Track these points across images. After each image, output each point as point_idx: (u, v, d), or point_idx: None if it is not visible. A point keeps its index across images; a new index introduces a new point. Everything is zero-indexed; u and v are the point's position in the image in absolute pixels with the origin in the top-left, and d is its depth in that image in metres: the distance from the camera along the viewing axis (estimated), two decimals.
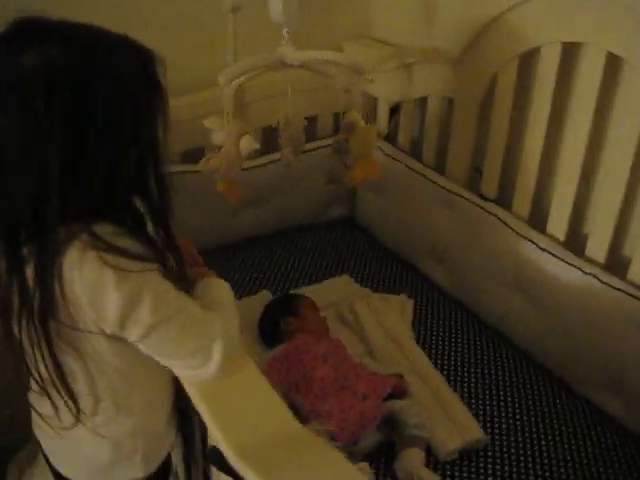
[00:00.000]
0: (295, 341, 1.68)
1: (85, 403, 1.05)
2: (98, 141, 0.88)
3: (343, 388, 1.56)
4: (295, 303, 1.82)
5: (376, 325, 1.82)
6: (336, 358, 1.63)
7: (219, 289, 1.17)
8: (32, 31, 0.87)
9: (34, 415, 1.12)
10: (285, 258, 2.18)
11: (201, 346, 1.01)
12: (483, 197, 1.88)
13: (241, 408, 1.04)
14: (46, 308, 0.92)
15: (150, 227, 0.99)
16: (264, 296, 1.96)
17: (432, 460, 1.48)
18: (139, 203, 0.99)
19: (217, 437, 0.99)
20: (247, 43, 1.69)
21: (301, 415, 1.53)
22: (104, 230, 0.91)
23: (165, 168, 0.99)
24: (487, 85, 1.79)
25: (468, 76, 1.82)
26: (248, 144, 1.63)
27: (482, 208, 1.84)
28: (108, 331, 0.96)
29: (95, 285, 0.90)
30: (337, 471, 0.91)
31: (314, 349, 1.64)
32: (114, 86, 0.89)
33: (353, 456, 1.44)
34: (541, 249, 1.69)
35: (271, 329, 1.79)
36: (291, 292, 1.96)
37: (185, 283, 1.07)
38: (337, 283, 2.05)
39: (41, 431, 1.16)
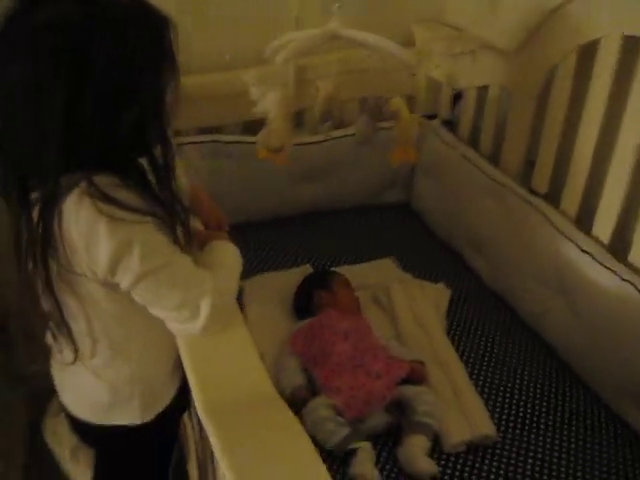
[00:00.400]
0: (321, 315, 1.70)
1: (84, 343, 1.11)
2: (97, 96, 0.92)
3: (359, 366, 1.56)
4: (329, 278, 1.84)
5: (408, 311, 1.81)
6: (357, 336, 1.63)
7: (225, 252, 1.21)
8: None
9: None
10: (335, 236, 2.19)
11: (188, 301, 1.04)
12: (533, 192, 1.83)
13: (222, 366, 1.06)
14: (46, 249, 0.97)
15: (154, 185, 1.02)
16: (305, 270, 1.98)
17: (437, 450, 1.46)
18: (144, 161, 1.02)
19: (192, 389, 1.02)
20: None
21: (315, 387, 1.55)
22: (103, 181, 0.95)
23: (170, 132, 1.02)
24: (545, 77, 1.73)
25: (527, 67, 1.77)
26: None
27: (529, 203, 1.79)
28: (100, 277, 1.00)
29: (89, 231, 0.95)
30: (295, 449, 0.91)
31: (337, 325, 1.65)
32: (120, 46, 0.93)
33: (358, 434, 1.44)
34: (582, 251, 1.62)
35: (304, 301, 1.81)
36: (330, 269, 1.97)
37: (189, 242, 1.11)
38: (380, 265, 2.05)
39: (53, 364, 1.24)
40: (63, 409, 1.29)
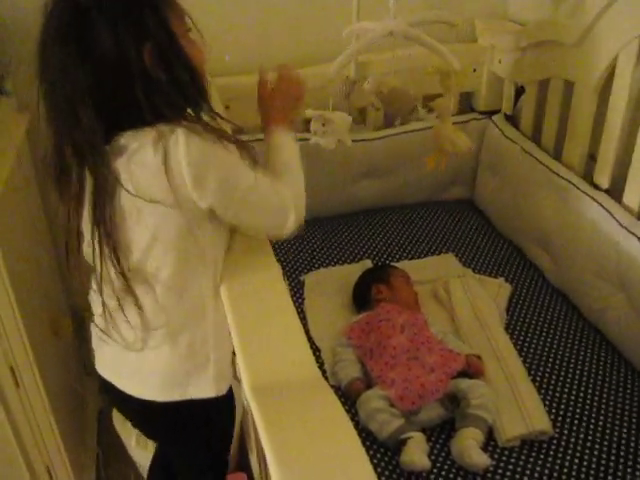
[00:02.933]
0: (379, 309, 1.72)
1: (155, 311, 1.15)
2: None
3: (414, 359, 1.57)
4: (388, 272, 1.86)
5: (467, 305, 1.80)
6: (413, 330, 1.64)
7: (285, 152, 1.26)
8: None
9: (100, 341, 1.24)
10: (396, 232, 2.20)
11: (278, 216, 1.16)
12: (595, 186, 1.79)
13: (271, 348, 1.08)
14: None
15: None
16: (364, 265, 2.00)
17: (492, 444, 1.46)
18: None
19: (241, 369, 1.05)
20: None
21: (370, 379, 1.57)
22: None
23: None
24: (607, 69, 1.70)
25: (588, 59, 1.74)
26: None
27: (591, 197, 1.76)
28: (204, 204, 1.07)
29: (201, 160, 1.03)
30: (337, 433, 0.93)
31: (394, 318, 1.67)
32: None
33: (412, 425, 1.46)
34: None
35: (362, 294, 1.84)
36: (390, 264, 1.99)
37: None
38: (440, 260, 2.06)
39: (104, 355, 1.26)
40: (121, 400, 1.27)
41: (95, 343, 1.29)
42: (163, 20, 1.03)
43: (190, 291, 1.16)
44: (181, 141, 1.01)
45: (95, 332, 1.26)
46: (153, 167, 1.01)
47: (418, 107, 1.81)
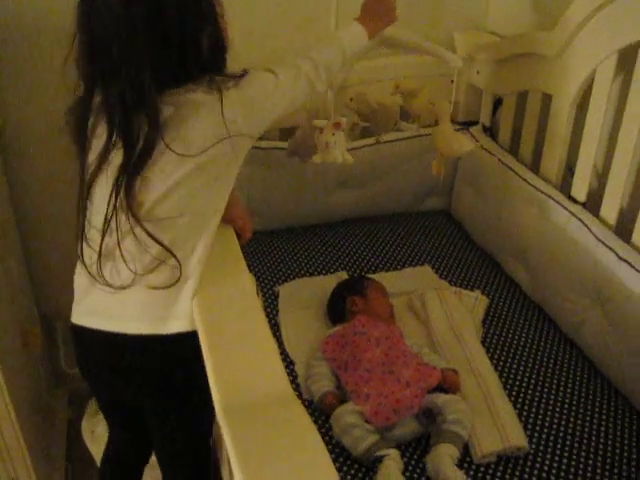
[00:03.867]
0: (354, 322, 1.70)
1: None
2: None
3: (389, 373, 1.55)
4: (363, 284, 1.83)
5: (443, 318, 1.79)
6: (389, 343, 1.62)
7: (350, 35, 1.43)
8: None
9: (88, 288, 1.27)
10: (373, 242, 2.18)
11: (305, 91, 1.32)
12: (573, 199, 1.79)
13: (243, 366, 1.07)
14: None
15: None
16: (340, 276, 1.98)
17: (467, 460, 1.44)
18: None
19: (212, 389, 1.02)
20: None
21: (344, 393, 1.55)
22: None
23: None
24: (585, 82, 1.70)
25: (567, 72, 1.74)
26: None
27: (568, 210, 1.75)
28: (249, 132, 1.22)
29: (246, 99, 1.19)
30: (307, 453, 0.91)
31: (369, 332, 1.65)
32: None
33: (386, 441, 1.43)
34: (620, 258, 1.58)
35: (337, 307, 1.81)
36: (366, 275, 1.97)
37: None
38: (416, 272, 2.04)
39: (93, 298, 1.27)
40: (103, 352, 1.32)
41: (79, 295, 1.32)
42: (213, 6, 1.18)
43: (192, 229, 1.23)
44: (230, 86, 1.16)
45: (81, 284, 1.30)
46: (208, 107, 1.14)
47: (399, 121, 1.81)
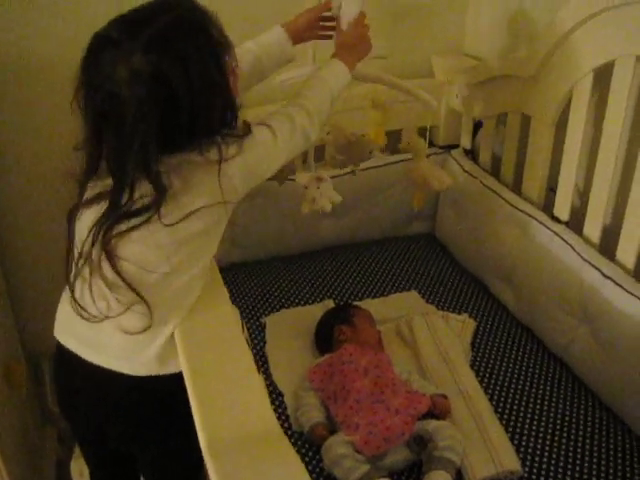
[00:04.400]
0: (341, 351, 1.68)
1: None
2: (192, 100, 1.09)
3: (378, 402, 1.53)
4: (351, 313, 1.82)
5: (431, 343, 1.78)
6: (377, 372, 1.61)
7: (332, 73, 1.41)
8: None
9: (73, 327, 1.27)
10: (358, 269, 2.18)
11: (302, 142, 1.31)
12: (555, 219, 1.79)
13: (228, 402, 1.06)
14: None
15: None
16: (326, 305, 1.97)
17: None
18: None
19: (197, 427, 1.01)
20: None
21: (334, 424, 1.53)
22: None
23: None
24: (563, 102, 1.71)
25: (544, 93, 1.75)
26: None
27: (552, 230, 1.76)
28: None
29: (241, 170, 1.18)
30: None
31: (357, 361, 1.63)
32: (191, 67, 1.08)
33: (378, 470, 1.42)
34: (605, 276, 1.58)
35: (325, 336, 1.79)
36: (353, 303, 1.96)
37: None
38: (403, 298, 2.03)
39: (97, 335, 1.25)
40: (87, 371, 1.29)
41: (63, 315, 1.32)
42: (222, 65, 1.14)
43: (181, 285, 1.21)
44: (232, 151, 1.15)
45: (64, 308, 1.30)
46: (206, 171, 1.13)
47: (374, 151, 1.81)
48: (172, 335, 1.23)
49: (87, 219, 1.15)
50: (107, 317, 1.19)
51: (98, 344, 1.26)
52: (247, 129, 1.20)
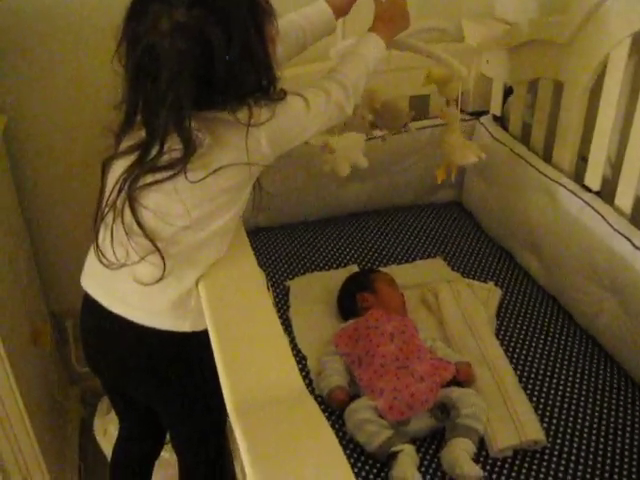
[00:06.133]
0: (367, 316, 1.68)
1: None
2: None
3: (403, 368, 1.53)
4: (371, 279, 1.81)
5: (456, 311, 1.76)
6: (403, 338, 1.60)
7: (368, 47, 1.40)
8: None
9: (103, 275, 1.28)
10: (383, 235, 2.16)
11: (335, 114, 1.31)
12: (586, 188, 1.76)
13: (254, 364, 1.05)
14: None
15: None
16: (350, 270, 1.96)
17: (483, 454, 1.42)
18: None
19: (223, 389, 1.01)
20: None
21: (357, 389, 1.53)
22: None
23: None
24: (598, 68, 1.66)
25: (579, 58, 1.71)
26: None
27: (582, 200, 1.72)
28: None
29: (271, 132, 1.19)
30: (320, 450, 0.89)
31: (383, 326, 1.63)
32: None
33: (401, 436, 1.41)
34: (636, 247, 1.55)
35: (348, 305, 1.79)
36: (374, 268, 1.95)
37: None
38: (428, 265, 2.02)
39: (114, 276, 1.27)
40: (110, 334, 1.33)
41: (89, 263, 1.35)
42: (262, 31, 1.15)
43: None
44: (264, 114, 1.15)
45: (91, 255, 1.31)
46: (235, 130, 1.13)
47: (409, 124, 1.79)
48: (188, 294, 1.25)
49: (118, 169, 1.17)
50: (124, 265, 1.22)
51: (116, 292, 1.29)
52: (282, 95, 1.20)
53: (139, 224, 1.16)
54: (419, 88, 1.75)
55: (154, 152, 1.12)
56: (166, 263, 1.19)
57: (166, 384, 1.37)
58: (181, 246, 1.20)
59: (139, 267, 1.21)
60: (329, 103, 1.28)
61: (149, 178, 1.14)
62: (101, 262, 1.24)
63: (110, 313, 1.30)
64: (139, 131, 1.16)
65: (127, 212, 1.16)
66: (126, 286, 1.25)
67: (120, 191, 1.16)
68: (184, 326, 1.28)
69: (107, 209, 1.19)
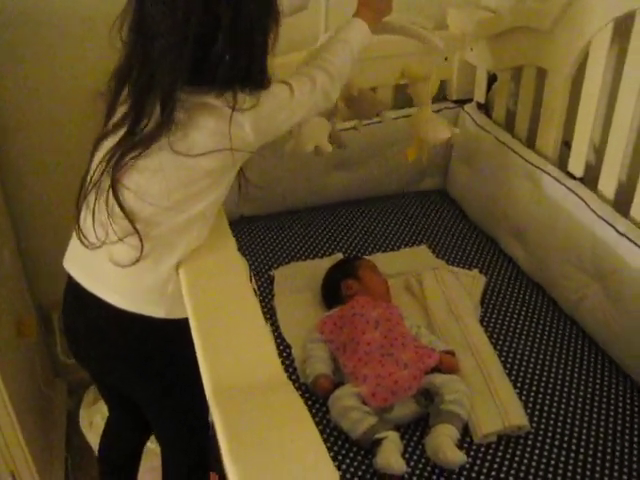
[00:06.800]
0: (352, 303, 1.68)
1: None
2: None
3: (387, 355, 1.53)
4: (354, 266, 1.81)
5: (440, 298, 1.77)
6: (388, 325, 1.60)
7: (353, 32, 1.39)
8: None
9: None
10: (369, 224, 2.16)
11: (321, 101, 1.29)
12: (570, 175, 1.77)
13: (234, 351, 1.04)
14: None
15: None
16: (336, 258, 1.96)
17: (467, 440, 1.43)
18: None
19: (202, 375, 1.00)
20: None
21: (341, 377, 1.53)
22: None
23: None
24: (580, 55, 1.67)
25: (561, 45, 1.71)
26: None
27: (566, 186, 1.73)
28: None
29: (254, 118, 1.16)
30: (300, 438, 0.89)
31: (368, 313, 1.63)
32: None
33: (384, 423, 1.42)
34: (619, 233, 1.56)
35: (332, 293, 1.79)
36: (356, 255, 1.96)
37: None
38: (413, 253, 2.02)
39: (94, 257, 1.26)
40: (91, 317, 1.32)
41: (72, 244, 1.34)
42: (268, 27, 1.16)
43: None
44: (248, 101, 1.13)
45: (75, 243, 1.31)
46: (219, 114, 1.12)
47: (384, 112, 1.78)
48: (164, 280, 1.24)
49: (104, 148, 1.18)
50: (103, 244, 1.21)
51: (95, 273, 1.28)
52: (267, 84, 1.19)
53: (120, 205, 1.16)
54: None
55: (137, 128, 1.13)
56: (144, 245, 1.18)
57: (143, 372, 1.36)
58: (161, 228, 1.19)
59: (116, 247, 1.21)
60: (314, 90, 1.27)
61: (134, 152, 1.14)
62: (82, 243, 1.23)
63: (90, 295, 1.29)
64: (123, 106, 1.17)
65: (109, 192, 1.16)
66: (105, 268, 1.25)
67: (103, 172, 1.16)
68: (159, 312, 1.27)
69: (90, 188, 1.19)
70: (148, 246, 1.19)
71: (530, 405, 1.51)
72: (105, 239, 1.21)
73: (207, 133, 1.13)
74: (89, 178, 1.20)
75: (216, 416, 0.92)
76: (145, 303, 1.27)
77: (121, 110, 1.18)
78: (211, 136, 1.14)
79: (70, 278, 1.34)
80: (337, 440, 1.42)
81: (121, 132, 1.15)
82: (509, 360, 1.63)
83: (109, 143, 1.17)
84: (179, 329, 1.19)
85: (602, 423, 1.47)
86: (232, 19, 1.08)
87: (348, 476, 1.35)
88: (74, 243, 1.30)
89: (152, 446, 1.73)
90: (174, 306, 1.25)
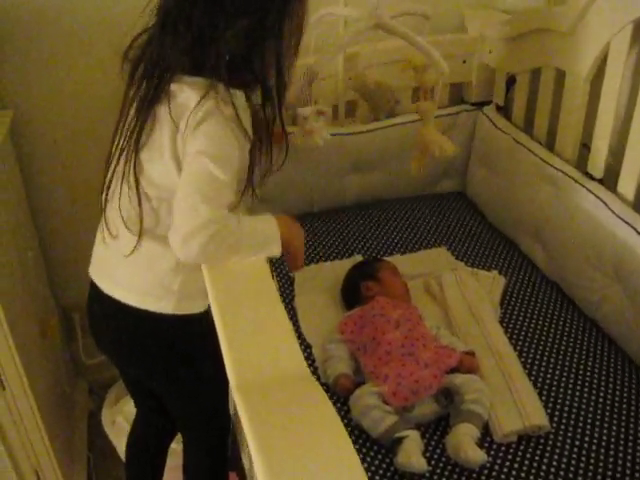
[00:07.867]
0: (372, 303, 1.69)
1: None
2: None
3: (408, 355, 1.54)
4: (374, 267, 1.82)
5: (460, 299, 1.77)
6: (408, 325, 1.61)
7: (266, 228, 1.28)
8: None
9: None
10: (387, 226, 2.17)
11: (199, 210, 1.08)
12: (589, 176, 1.77)
13: (258, 346, 1.05)
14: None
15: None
16: (355, 260, 1.97)
17: (488, 440, 1.43)
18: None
19: (227, 369, 1.02)
20: None
21: (362, 376, 1.54)
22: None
23: (287, 61, 1.19)
24: (599, 56, 1.67)
25: (580, 47, 1.71)
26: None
27: (585, 187, 1.73)
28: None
29: (203, 118, 1.12)
30: (326, 433, 0.90)
31: (389, 313, 1.64)
32: None
33: (405, 422, 1.43)
34: (639, 234, 1.56)
35: (352, 294, 1.80)
36: (376, 257, 1.97)
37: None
38: (432, 254, 2.03)
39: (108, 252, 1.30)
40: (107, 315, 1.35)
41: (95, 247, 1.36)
42: (283, 45, 1.16)
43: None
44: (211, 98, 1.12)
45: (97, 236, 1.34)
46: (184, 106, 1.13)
47: (401, 101, 1.79)
48: (171, 275, 1.26)
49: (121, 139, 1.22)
50: (117, 236, 1.25)
51: (109, 272, 1.31)
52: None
53: (137, 192, 1.19)
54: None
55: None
56: (145, 236, 1.21)
57: (159, 367, 1.37)
58: (169, 222, 1.17)
59: (122, 237, 1.24)
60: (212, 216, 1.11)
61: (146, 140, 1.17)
62: (110, 233, 1.26)
63: (106, 295, 1.31)
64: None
65: (130, 179, 1.19)
66: (116, 264, 1.27)
67: (119, 159, 1.21)
68: (166, 308, 1.27)
69: (109, 176, 1.23)
70: (151, 240, 1.22)
71: (550, 405, 1.51)
72: (121, 229, 1.23)
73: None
74: (111, 168, 1.24)
75: (241, 409, 0.93)
76: (150, 297, 1.28)
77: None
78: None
79: (92, 282, 1.36)
80: (358, 439, 1.43)
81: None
82: (529, 361, 1.63)
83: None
84: (189, 323, 1.21)
85: (623, 424, 1.47)
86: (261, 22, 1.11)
87: (369, 474, 1.36)
88: (96, 249, 1.34)
89: (174, 446, 1.74)
90: (182, 301, 1.27)
